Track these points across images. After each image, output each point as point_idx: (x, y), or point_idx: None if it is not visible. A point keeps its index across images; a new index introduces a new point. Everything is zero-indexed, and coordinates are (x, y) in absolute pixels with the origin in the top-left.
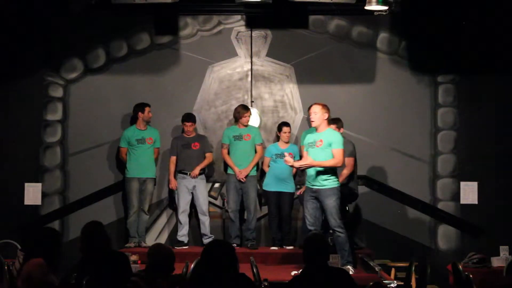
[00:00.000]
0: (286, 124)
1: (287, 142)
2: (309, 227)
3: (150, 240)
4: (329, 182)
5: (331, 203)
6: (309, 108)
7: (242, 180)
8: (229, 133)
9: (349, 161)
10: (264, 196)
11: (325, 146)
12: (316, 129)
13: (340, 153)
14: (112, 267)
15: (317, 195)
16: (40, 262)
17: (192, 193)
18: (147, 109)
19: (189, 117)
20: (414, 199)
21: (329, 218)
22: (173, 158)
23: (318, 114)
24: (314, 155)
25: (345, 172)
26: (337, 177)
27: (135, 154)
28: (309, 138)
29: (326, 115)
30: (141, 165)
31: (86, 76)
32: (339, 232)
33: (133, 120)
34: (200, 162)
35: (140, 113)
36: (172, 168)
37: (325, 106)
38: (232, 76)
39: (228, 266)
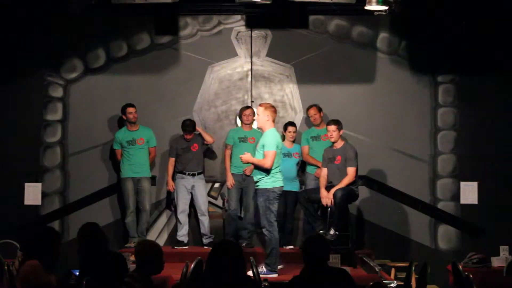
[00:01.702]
0: (291, 123)
1: (292, 142)
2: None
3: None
4: (260, 183)
5: (260, 203)
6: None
7: (247, 173)
8: (234, 134)
9: (351, 171)
10: None
11: (259, 148)
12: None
13: (269, 155)
14: (110, 267)
15: (256, 195)
16: (35, 264)
17: (191, 193)
18: (127, 110)
19: (187, 129)
20: (414, 199)
21: (261, 217)
22: (172, 160)
23: (259, 116)
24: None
25: (346, 180)
26: (273, 178)
27: (128, 155)
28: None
29: (270, 116)
30: (134, 165)
31: (86, 76)
32: (265, 233)
33: (121, 122)
34: (200, 162)
35: (123, 116)
36: (170, 170)
37: (268, 108)
38: (232, 76)
39: (236, 268)
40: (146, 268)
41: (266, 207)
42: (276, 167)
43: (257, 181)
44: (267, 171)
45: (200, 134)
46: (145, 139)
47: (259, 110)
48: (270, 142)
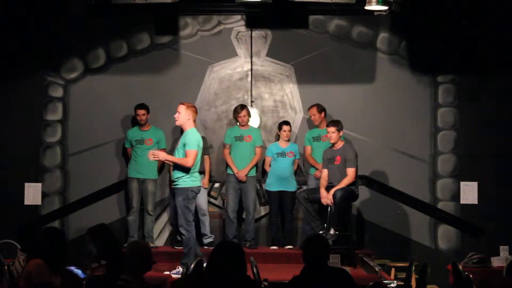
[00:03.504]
0: (286, 122)
1: (287, 141)
2: (172, 224)
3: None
4: (180, 182)
5: (179, 202)
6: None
7: (242, 179)
8: (231, 133)
9: (351, 171)
10: (266, 196)
11: (180, 147)
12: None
13: (190, 154)
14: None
15: (174, 194)
16: (39, 263)
17: None
18: (136, 111)
19: None
20: (414, 199)
21: (178, 217)
22: None
23: (181, 114)
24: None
25: (345, 181)
26: (192, 178)
27: (135, 155)
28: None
29: (191, 116)
30: (140, 166)
31: (86, 76)
32: (182, 233)
33: (134, 121)
34: (201, 164)
35: (136, 117)
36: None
37: (190, 107)
38: (232, 76)
39: (236, 268)
40: (138, 268)
41: (185, 206)
42: (194, 167)
43: (175, 180)
44: (186, 170)
45: (204, 140)
46: (154, 140)
47: (180, 109)
48: (192, 141)
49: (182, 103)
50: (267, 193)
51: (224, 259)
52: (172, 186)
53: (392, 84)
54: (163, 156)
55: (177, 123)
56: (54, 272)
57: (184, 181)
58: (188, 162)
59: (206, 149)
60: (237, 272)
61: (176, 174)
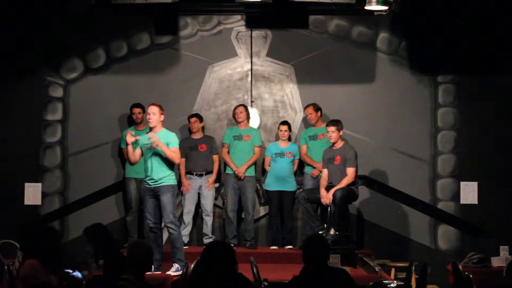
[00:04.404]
0: (284, 122)
1: (287, 141)
2: (151, 225)
3: None
4: (166, 180)
5: (166, 199)
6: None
7: (241, 176)
8: (230, 133)
9: (351, 171)
10: (266, 196)
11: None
12: (151, 129)
13: (177, 152)
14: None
15: (155, 193)
16: (34, 263)
17: (198, 193)
18: (133, 110)
19: (193, 120)
20: (414, 199)
21: (163, 214)
22: (182, 160)
23: (156, 116)
24: (153, 156)
25: (345, 181)
26: (175, 175)
27: None
28: (143, 139)
29: (162, 117)
30: (137, 165)
31: (86, 76)
32: (171, 228)
33: (130, 120)
34: (208, 164)
35: (132, 115)
36: (182, 170)
37: (161, 108)
38: (232, 76)
39: (226, 267)
40: (140, 268)
41: (173, 203)
42: (174, 165)
43: (159, 180)
44: (171, 168)
45: (212, 139)
46: None
47: (155, 110)
48: (175, 140)
49: (154, 104)
50: (267, 193)
51: (214, 259)
52: (154, 185)
53: (392, 84)
54: (156, 140)
55: (152, 124)
56: (50, 271)
57: (170, 178)
58: (177, 159)
59: (215, 148)
60: (227, 271)
61: (160, 174)
